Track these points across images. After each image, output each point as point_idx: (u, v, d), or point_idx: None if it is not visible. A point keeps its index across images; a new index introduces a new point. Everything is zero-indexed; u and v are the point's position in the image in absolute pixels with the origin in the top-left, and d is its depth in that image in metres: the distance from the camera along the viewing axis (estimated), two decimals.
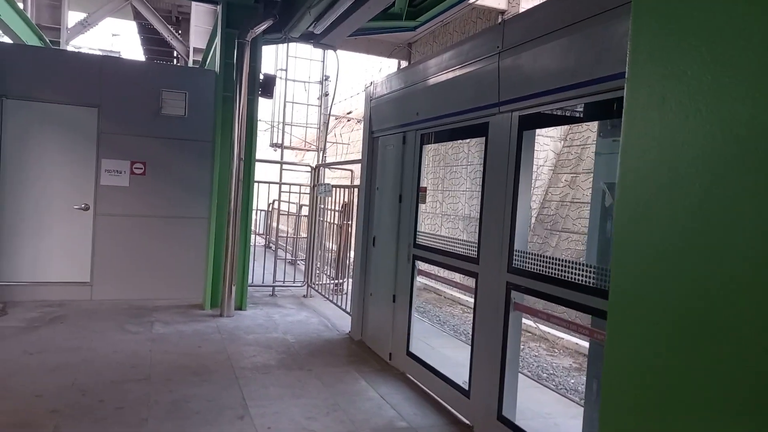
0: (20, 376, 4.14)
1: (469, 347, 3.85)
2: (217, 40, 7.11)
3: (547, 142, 12.04)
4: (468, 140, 12.58)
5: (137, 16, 13.37)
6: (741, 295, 0.94)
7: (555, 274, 3.09)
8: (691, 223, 1.01)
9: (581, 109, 3.20)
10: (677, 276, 1.04)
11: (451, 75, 4.15)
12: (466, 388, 3.82)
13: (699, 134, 0.99)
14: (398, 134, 5.04)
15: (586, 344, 7.20)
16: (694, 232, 1.00)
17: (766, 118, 0.89)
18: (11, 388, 3.92)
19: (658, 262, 1.08)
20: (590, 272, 2.89)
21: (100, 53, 16.04)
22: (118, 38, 40.98)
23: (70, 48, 11.79)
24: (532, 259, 3.34)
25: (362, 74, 18.82)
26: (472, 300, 3.82)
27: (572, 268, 3.00)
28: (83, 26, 11.60)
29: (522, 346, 7.64)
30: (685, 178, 1.02)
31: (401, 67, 16.99)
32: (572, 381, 6.57)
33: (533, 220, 11.61)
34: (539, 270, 3.22)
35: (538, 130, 3.88)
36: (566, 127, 11.98)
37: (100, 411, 3.66)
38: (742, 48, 0.93)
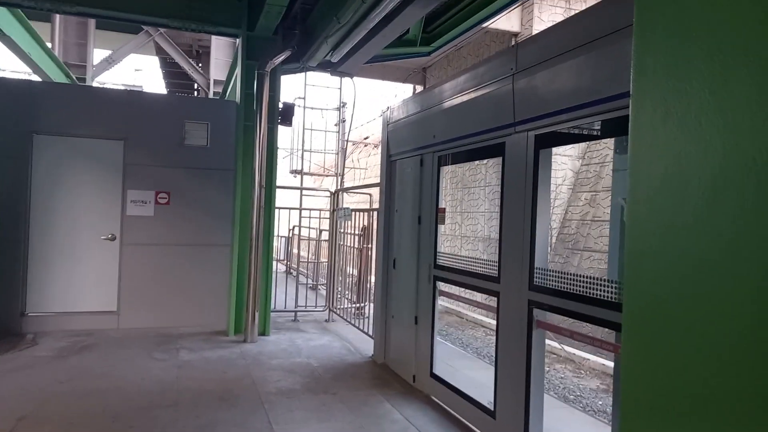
0: (52, 404, 4.23)
1: (493, 368, 3.83)
2: (237, 72, 7.32)
3: (565, 161, 12.01)
4: (485, 161, 12.62)
5: (159, 51, 13.81)
6: (747, 304, 0.97)
7: (576, 290, 3.09)
8: (697, 234, 1.06)
9: (597, 127, 3.23)
10: (688, 286, 1.08)
11: (466, 97, 4.23)
12: (492, 408, 3.80)
13: (700, 147, 1.04)
14: (416, 157, 5.11)
15: (613, 365, 7.08)
16: (700, 242, 1.05)
17: (763, 132, 0.94)
18: (44, 415, 4.00)
19: (672, 270, 1.11)
20: (612, 287, 2.89)
21: (124, 88, 16.55)
22: (141, 73, 42.08)
23: (95, 84, 12.19)
24: (553, 276, 3.34)
25: (378, 100, 19.09)
26: (494, 321, 3.82)
27: (594, 283, 3.01)
28: (108, 63, 12.00)
29: (547, 368, 7.54)
30: (690, 190, 1.06)
31: (416, 91, 17.19)
32: (600, 402, 6.45)
33: (554, 239, 11.52)
34: (561, 287, 3.23)
35: (555, 150, 3.93)
36: (584, 145, 11.96)
37: None
38: (739, 65, 0.98)
